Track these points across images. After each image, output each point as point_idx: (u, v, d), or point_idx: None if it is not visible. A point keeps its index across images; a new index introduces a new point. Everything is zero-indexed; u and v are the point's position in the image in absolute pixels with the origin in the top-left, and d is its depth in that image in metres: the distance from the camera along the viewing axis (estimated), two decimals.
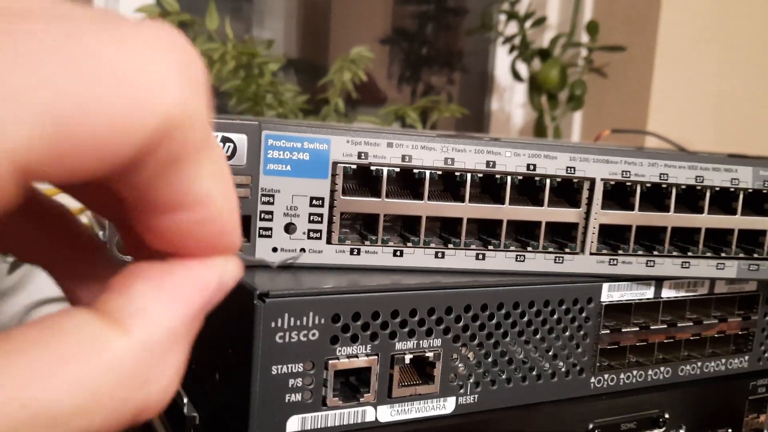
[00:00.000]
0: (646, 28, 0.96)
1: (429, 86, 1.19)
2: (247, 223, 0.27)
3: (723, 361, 0.36)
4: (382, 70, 1.21)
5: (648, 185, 0.31)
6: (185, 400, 0.30)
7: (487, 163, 0.29)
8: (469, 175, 0.29)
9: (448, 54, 1.23)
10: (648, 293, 0.33)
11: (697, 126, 1.00)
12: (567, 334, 0.31)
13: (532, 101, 0.97)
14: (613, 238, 0.32)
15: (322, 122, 0.67)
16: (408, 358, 0.28)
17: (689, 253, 0.32)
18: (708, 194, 0.32)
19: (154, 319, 0.13)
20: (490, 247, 0.30)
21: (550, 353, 0.31)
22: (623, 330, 0.33)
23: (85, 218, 0.75)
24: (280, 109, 0.82)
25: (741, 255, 0.33)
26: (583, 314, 0.32)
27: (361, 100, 1.01)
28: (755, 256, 0.33)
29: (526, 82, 0.98)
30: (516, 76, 0.99)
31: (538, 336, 0.31)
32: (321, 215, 0.28)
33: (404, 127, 0.80)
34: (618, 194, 0.31)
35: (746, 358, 0.36)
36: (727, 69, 1.01)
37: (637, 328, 0.33)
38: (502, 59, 1.10)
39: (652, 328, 0.33)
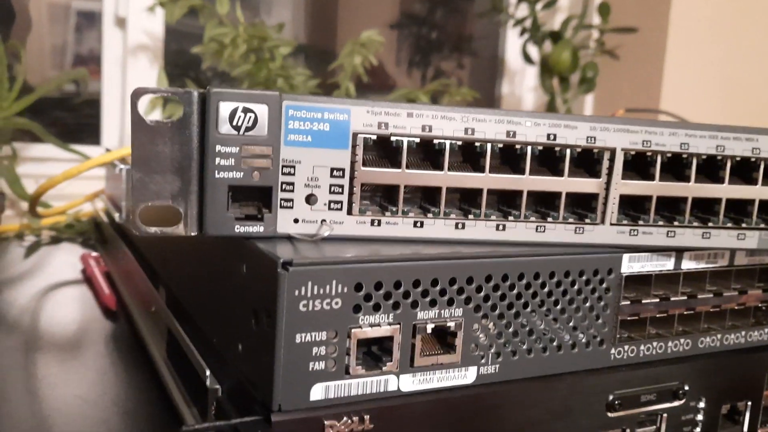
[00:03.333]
0: (658, 9, 0.95)
1: (439, 71, 1.19)
2: (268, 194, 0.28)
3: (743, 333, 0.36)
4: (392, 55, 1.21)
5: (668, 155, 0.31)
6: (207, 373, 0.31)
7: (507, 133, 0.29)
8: (489, 146, 0.29)
9: (458, 38, 1.23)
10: (668, 264, 0.33)
11: (709, 107, 0.99)
12: (587, 305, 0.31)
13: (543, 84, 0.96)
14: (633, 209, 0.32)
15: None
16: (429, 327, 0.28)
17: (710, 224, 0.32)
18: (729, 164, 0.32)
19: None
20: (510, 218, 0.30)
21: (571, 324, 0.31)
22: (643, 301, 0.33)
23: (91, 205, 0.75)
24: (291, 93, 0.82)
25: (762, 225, 0.33)
26: (604, 285, 0.32)
27: (371, 85, 1.00)
28: None
29: (538, 64, 0.98)
30: (527, 58, 0.98)
31: (558, 307, 0.31)
32: (342, 186, 0.28)
33: None
34: (638, 164, 0.31)
35: (766, 330, 0.36)
36: (739, 50, 1.00)
37: (657, 300, 0.33)
38: (513, 42, 1.09)
39: (672, 299, 0.33)
